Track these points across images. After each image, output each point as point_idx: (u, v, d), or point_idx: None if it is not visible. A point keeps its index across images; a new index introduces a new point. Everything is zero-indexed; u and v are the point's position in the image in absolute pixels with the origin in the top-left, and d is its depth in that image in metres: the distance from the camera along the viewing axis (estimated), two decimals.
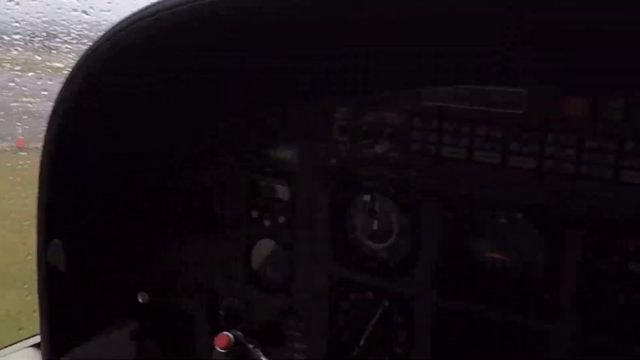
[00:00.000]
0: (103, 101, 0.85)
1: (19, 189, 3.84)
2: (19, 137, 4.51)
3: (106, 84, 0.84)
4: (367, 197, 0.94)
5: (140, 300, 1.06)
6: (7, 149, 4.60)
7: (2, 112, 4.24)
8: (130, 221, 1.00)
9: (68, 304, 0.95)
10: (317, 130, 0.95)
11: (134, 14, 0.75)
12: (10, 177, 3.95)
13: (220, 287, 1.09)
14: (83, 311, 0.97)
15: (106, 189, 0.94)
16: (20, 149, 4.47)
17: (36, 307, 1.54)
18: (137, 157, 0.97)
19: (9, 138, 4.55)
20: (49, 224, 0.90)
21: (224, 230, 1.06)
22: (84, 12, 2.48)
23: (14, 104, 4.31)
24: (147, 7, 0.74)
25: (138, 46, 0.77)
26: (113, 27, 0.78)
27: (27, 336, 1.59)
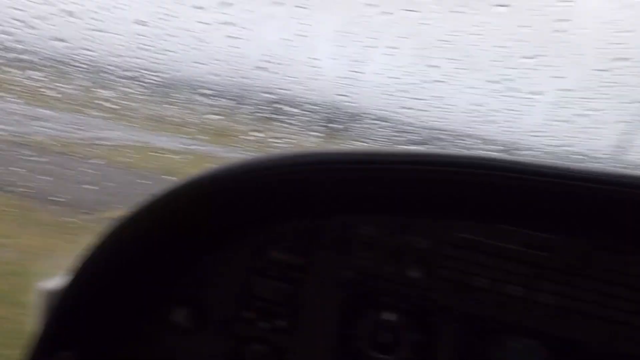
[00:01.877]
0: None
1: None
2: None
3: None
4: (387, 315, 0.94)
5: None
6: None
7: None
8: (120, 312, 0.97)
9: None
10: (334, 244, 0.96)
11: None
12: None
13: None
14: None
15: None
16: None
17: None
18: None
19: None
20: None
21: (212, 327, 1.02)
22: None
23: None
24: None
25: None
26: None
27: None
